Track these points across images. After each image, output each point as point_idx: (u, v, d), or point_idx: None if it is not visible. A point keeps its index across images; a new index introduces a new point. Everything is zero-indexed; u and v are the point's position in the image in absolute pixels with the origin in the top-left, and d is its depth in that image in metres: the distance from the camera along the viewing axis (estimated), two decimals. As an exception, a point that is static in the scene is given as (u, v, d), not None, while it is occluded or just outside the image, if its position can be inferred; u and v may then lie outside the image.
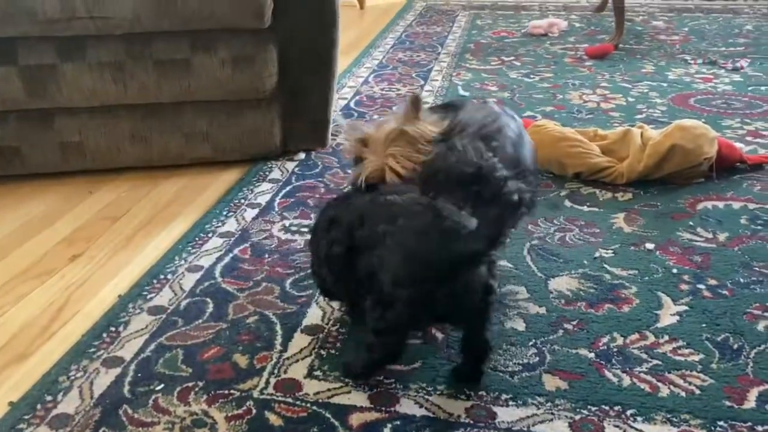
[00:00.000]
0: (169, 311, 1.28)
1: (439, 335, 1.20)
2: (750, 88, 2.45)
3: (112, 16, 1.68)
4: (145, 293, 1.34)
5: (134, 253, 1.50)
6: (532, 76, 2.63)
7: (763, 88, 2.45)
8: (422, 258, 0.98)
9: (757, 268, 1.38)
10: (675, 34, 3.21)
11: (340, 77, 2.63)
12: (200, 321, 1.25)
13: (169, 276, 1.39)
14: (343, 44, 2.90)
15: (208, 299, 1.31)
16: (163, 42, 1.76)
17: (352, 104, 2.38)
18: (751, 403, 1.04)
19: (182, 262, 1.44)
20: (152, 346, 1.18)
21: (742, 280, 1.34)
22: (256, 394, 1.07)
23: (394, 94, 2.47)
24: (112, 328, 1.23)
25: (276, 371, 1.12)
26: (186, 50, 1.77)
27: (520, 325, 1.23)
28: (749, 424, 1.00)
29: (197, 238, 1.53)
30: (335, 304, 1.28)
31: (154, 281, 1.37)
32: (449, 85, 2.56)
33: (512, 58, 2.89)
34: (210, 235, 1.55)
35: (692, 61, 2.77)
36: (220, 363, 1.14)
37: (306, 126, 1.95)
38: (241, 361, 1.14)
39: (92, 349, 1.18)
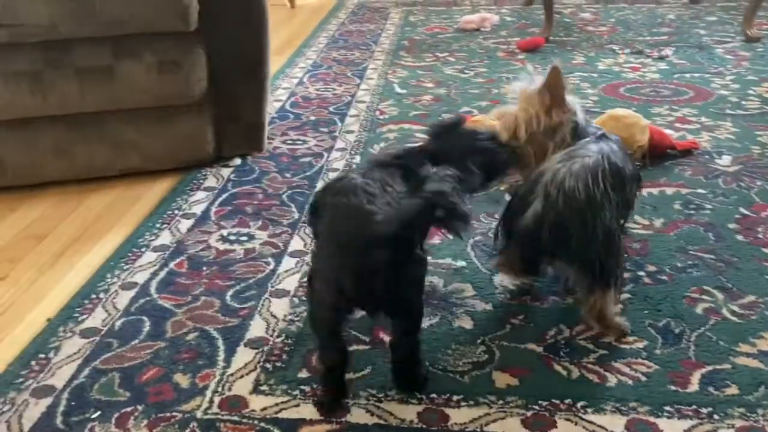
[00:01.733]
0: (102, 333, 1.21)
1: (388, 339, 1.18)
2: (675, 76, 2.52)
3: (25, 23, 1.59)
4: (77, 315, 1.26)
5: (63, 273, 1.42)
6: (467, 72, 2.64)
7: (687, 75, 2.53)
8: (335, 233, 1.01)
9: (692, 252, 1.41)
10: (602, 25, 3.29)
11: (274, 78, 2.58)
12: (137, 341, 1.19)
13: (102, 295, 1.32)
14: (275, 44, 2.85)
15: (145, 317, 1.25)
16: (83, 49, 1.67)
17: (287, 106, 2.33)
18: (694, 386, 1.06)
19: (115, 279, 1.37)
20: (86, 372, 1.12)
21: (679, 264, 1.37)
22: (199, 414, 1.03)
23: (330, 93, 2.44)
24: (42, 355, 1.16)
25: (220, 389, 1.08)
26: (108, 56, 1.69)
27: (468, 323, 1.22)
28: (694, 407, 1.02)
29: (130, 254, 1.46)
30: (279, 315, 1.25)
31: (86, 302, 1.30)
32: (385, 83, 2.54)
33: (446, 54, 2.90)
34: (143, 249, 1.48)
35: (620, 51, 2.84)
36: (160, 384, 1.09)
37: (240, 130, 1.90)
38: (183, 380, 1.09)
39: (20, 379, 1.11)
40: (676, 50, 2.82)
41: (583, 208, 1.12)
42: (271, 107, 2.26)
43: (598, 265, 1.12)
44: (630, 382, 1.07)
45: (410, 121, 2.15)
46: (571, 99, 1.31)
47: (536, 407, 1.03)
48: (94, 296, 1.32)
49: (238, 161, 1.90)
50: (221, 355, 1.15)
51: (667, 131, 1.93)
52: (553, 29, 3.05)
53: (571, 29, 3.23)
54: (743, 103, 2.23)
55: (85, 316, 1.26)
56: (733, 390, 1.04)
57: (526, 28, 3.26)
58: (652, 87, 2.41)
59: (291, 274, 1.37)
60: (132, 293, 1.32)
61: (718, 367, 1.09)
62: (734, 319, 1.21)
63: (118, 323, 1.24)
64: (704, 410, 1.01)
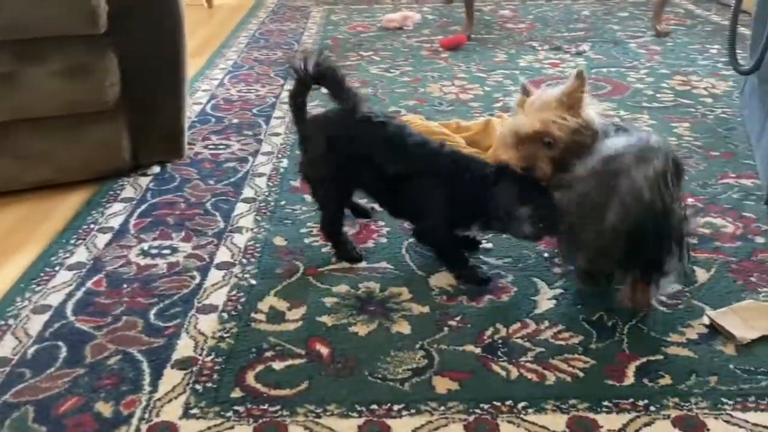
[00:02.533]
0: (13, 362, 1.12)
1: (324, 350, 1.14)
2: (593, 71, 2.59)
3: None
4: (-17, 345, 1.16)
5: (-34, 299, 1.30)
6: (392, 71, 2.63)
7: (604, 69, 2.60)
8: None
9: (620, 244, 1.44)
10: (521, 22, 3.34)
11: (193, 81, 2.48)
12: (52, 369, 1.10)
13: (11, 321, 1.22)
14: (193, 45, 2.74)
15: (61, 343, 1.16)
16: (-20, 54, 1.55)
17: (208, 109, 2.25)
18: (630, 378, 1.07)
19: (26, 302, 1.27)
20: (-5, 407, 1.03)
21: (608, 257, 1.39)
22: (125, 445, 0.96)
23: (253, 95, 2.37)
24: (-56, 392, 1.06)
25: (147, 416, 1.01)
26: (10, 62, 1.57)
27: (406, 328, 1.19)
28: (631, 400, 1.03)
29: (42, 274, 1.36)
30: (208, 332, 1.19)
31: (-7, 329, 1.20)
32: (309, 83, 2.49)
33: (371, 53, 2.87)
34: (57, 268, 1.38)
35: (540, 48, 2.90)
36: (79, 415, 1.01)
37: (159, 136, 1.81)
38: (105, 409, 1.02)
39: None
40: (593, 45, 2.90)
41: (659, 221, 1.10)
42: (191, 111, 2.18)
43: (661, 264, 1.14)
44: (568, 378, 1.07)
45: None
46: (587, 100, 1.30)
47: (478, 411, 1.01)
48: (2, 323, 1.22)
49: (157, 169, 1.80)
50: (147, 379, 1.08)
51: (589, 125, 1.97)
52: (474, 27, 3.08)
53: (492, 27, 3.27)
54: (658, 96, 2.31)
55: (-8, 346, 1.16)
56: (666, 380, 1.06)
57: (447, 26, 3.27)
58: (572, 82, 2.46)
59: (218, 288, 1.31)
60: (45, 317, 1.23)
61: (651, 358, 1.11)
62: (663, 309, 1.23)
63: (31, 351, 1.14)
64: (641, 402, 1.02)
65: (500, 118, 1.86)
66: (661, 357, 1.11)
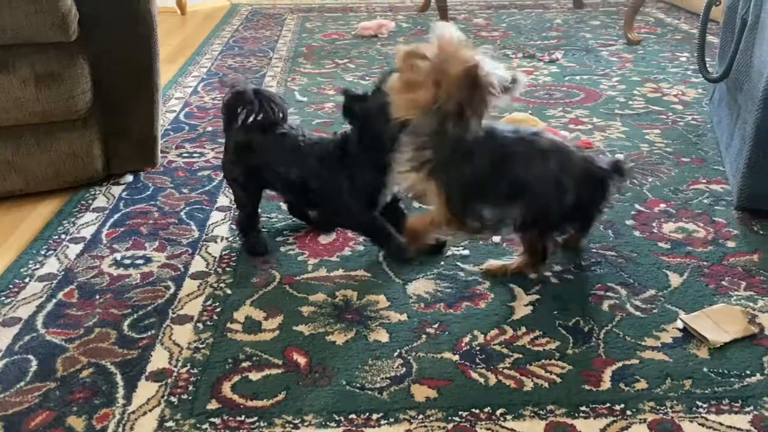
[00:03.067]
0: (-19, 377, 1.09)
1: (302, 360, 1.13)
2: (566, 78, 2.62)
3: None
4: (-51, 359, 1.13)
5: (-69, 313, 1.27)
6: (367, 78, 2.63)
7: (577, 77, 2.63)
8: None
9: (594, 250, 1.45)
10: (495, 30, 3.37)
11: (166, 88, 2.46)
12: (22, 384, 1.08)
13: (-21, 335, 1.19)
14: (166, 53, 2.73)
15: (31, 356, 1.14)
16: (-54, 61, 1.51)
17: (181, 116, 2.23)
18: (606, 383, 1.08)
19: (-6, 315, 1.24)
20: (-37, 424, 1.00)
21: (583, 263, 1.41)
22: (98, 460, 0.94)
23: (227, 103, 2.35)
24: None
25: (121, 429, 0.99)
26: (-23, 70, 1.54)
27: (384, 336, 1.19)
28: (607, 404, 1.04)
29: (12, 285, 1.33)
30: (183, 342, 1.17)
31: (-40, 343, 1.17)
32: (285, 90, 2.48)
33: (346, 60, 2.87)
34: (27, 279, 1.35)
35: (513, 56, 2.93)
36: (51, 431, 0.98)
37: (131, 145, 1.78)
38: (77, 424, 1.00)
39: None
40: (566, 53, 2.94)
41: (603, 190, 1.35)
42: (164, 119, 2.16)
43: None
44: (546, 384, 1.08)
45: (314, 129, 2.10)
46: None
47: (457, 419, 1.01)
48: (-30, 336, 1.19)
49: (129, 178, 1.78)
50: (120, 392, 1.06)
51: (563, 132, 2.00)
52: (449, 34, 3.10)
53: (466, 34, 3.28)
54: (630, 103, 2.35)
55: (-41, 360, 1.13)
56: (642, 384, 1.07)
57: (422, 34, 3.29)
58: (546, 90, 2.49)
59: (193, 298, 1.29)
60: (15, 330, 1.20)
61: (627, 362, 1.12)
62: (638, 313, 1.25)
63: (0, 365, 1.12)
64: (617, 407, 1.03)
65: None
66: (636, 361, 1.12)
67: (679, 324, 1.21)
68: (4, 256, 1.45)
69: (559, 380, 1.09)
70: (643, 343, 1.17)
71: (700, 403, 1.03)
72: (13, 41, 1.55)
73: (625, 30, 3.13)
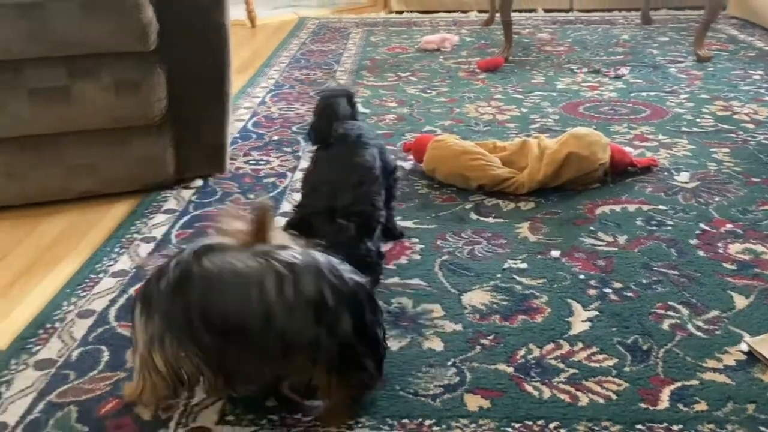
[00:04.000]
0: (58, 364, 1.16)
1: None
2: (632, 94, 2.58)
3: (-24, 43, 1.53)
4: (30, 346, 1.21)
5: (15, 302, 1.36)
6: (428, 91, 2.66)
7: (643, 93, 2.59)
8: None
9: (656, 268, 1.43)
10: (560, 45, 3.35)
11: (235, 98, 2.55)
12: (95, 372, 1.14)
13: (57, 324, 1.27)
14: (236, 64, 2.82)
15: (103, 347, 1.20)
16: (37, 69, 1.62)
17: (249, 126, 2.30)
18: (664, 403, 1.06)
19: (71, 307, 1.32)
20: (41, 406, 1.06)
21: (644, 281, 1.38)
22: (162, 448, 0.98)
23: (293, 113, 2.42)
24: (-8, 390, 1.10)
25: (184, 420, 1.03)
26: (64, 77, 1.64)
27: (438, 345, 1.20)
28: (665, 424, 1.02)
29: (87, 280, 1.41)
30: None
31: (40, 332, 1.25)
32: (348, 102, 2.53)
33: (408, 73, 2.91)
34: (101, 275, 1.43)
35: (578, 71, 2.90)
36: (120, 417, 1.04)
37: (202, 151, 1.86)
38: (144, 413, 1.05)
39: (-31, 417, 1.05)
40: (632, 69, 2.89)
41: None
42: (233, 127, 2.23)
43: None
44: (601, 401, 1.07)
45: (374, 141, 2.14)
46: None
47: (509, 429, 1.01)
48: (49, 326, 1.26)
49: (199, 183, 1.86)
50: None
51: (627, 149, 1.97)
52: (512, 49, 3.10)
53: (530, 49, 3.29)
54: (698, 120, 2.29)
55: (39, 347, 1.20)
56: (702, 406, 1.05)
57: (485, 48, 3.30)
58: (611, 105, 2.46)
59: (256, 299, 1.34)
60: (89, 321, 1.27)
61: (686, 383, 1.10)
62: (699, 334, 1.22)
63: (75, 353, 1.19)
64: (675, 427, 1.01)
65: (537, 139, 1.87)
66: (696, 382, 1.10)
67: (744, 347, 1.17)
68: (81, 253, 1.54)
69: (615, 397, 1.07)
70: (705, 365, 1.14)
71: (763, 429, 1.00)
72: (98, 50, 1.64)
73: (695, 46, 3.06)
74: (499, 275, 1.41)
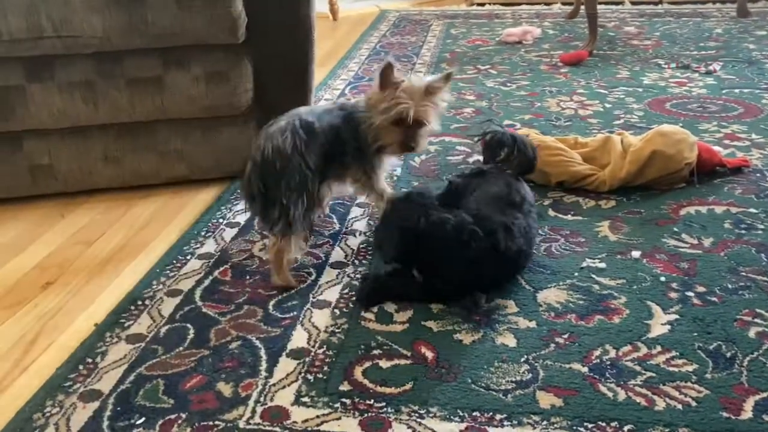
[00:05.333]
0: (148, 339, 1.23)
1: (430, 354, 1.17)
2: (724, 91, 2.46)
3: (81, 35, 1.63)
4: (123, 321, 1.29)
5: (110, 279, 1.45)
6: (508, 84, 2.63)
7: (736, 90, 2.47)
8: None
9: (744, 273, 1.37)
10: (647, 39, 3.24)
11: (316, 90, 2.60)
12: (181, 348, 1.20)
13: (147, 302, 1.34)
14: (318, 56, 2.86)
15: (189, 325, 1.27)
16: (134, 60, 1.71)
17: (329, 117, 2.34)
18: (748, 413, 1.02)
19: (160, 286, 1.39)
20: (131, 377, 1.14)
21: (730, 285, 1.33)
22: (242, 424, 1.03)
23: (372, 105, 2.44)
24: (89, 360, 1.18)
25: (262, 399, 1.08)
26: (158, 67, 1.73)
27: (511, 341, 1.20)
28: (748, 435, 0.98)
29: (175, 261, 1.49)
30: (321, 326, 1.25)
31: (132, 308, 1.33)
32: (426, 95, 2.54)
33: (488, 66, 2.89)
34: (188, 257, 1.50)
35: (666, 66, 2.80)
36: (203, 392, 1.10)
37: (284, 141, 1.91)
38: (225, 389, 1.10)
39: (68, 383, 1.13)
40: (724, 65, 2.76)
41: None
42: (314, 118, 2.28)
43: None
44: (679, 406, 1.04)
45: (451, 134, 2.14)
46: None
47: (581, 429, 1.00)
48: (140, 302, 1.34)
49: (281, 172, 1.91)
50: (263, 365, 1.15)
51: (716, 148, 1.89)
52: (597, 43, 3.02)
53: (615, 43, 3.19)
54: (796, 120, 2.17)
55: (131, 322, 1.28)
56: (788, 419, 1.01)
57: (569, 42, 3.23)
58: (700, 102, 2.36)
59: (332, 285, 1.38)
60: (177, 300, 1.34)
61: (772, 394, 1.06)
62: (789, 344, 1.17)
63: (163, 330, 1.26)
64: (758, 439, 0.98)
65: (620, 136, 1.82)
66: (784, 394, 1.06)
67: (838, 360, 1.11)
68: (169, 235, 1.62)
69: (694, 404, 1.05)
70: (794, 376, 1.09)
71: None
72: (190, 42, 1.72)
73: (796, 41, 2.89)
74: (576, 274, 1.39)
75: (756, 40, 3.13)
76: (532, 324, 1.25)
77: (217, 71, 1.76)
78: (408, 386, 1.10)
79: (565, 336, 1.21)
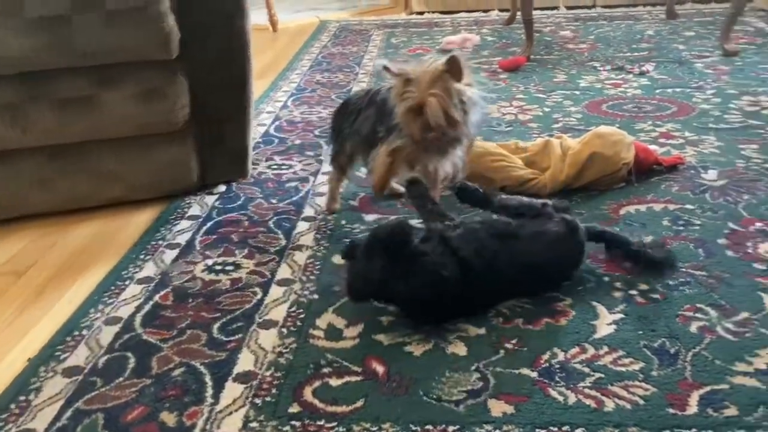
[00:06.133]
0: (86, 371, 1.18)
1: (381, 369, 1.15)
2: (657, 91, 2.54)
3: (1, 56, 1.56)
4: (59, 353, 1.23)
5: (44, 310, 1.38)
6: (450, 92, 2.64)
7: (669, 90, 2.55)
8: None
9: (683, 269, 1.40)
10: (582, 43, 3.31)
11: (257, 103, 2.56)
12: (121, 379, 1.15)
13: (85, 332, 1.29)
14: (258, 68, 2.84)
15: (129, 353, 1.22)
16: (63, 80, 1.65)
17: (271, 130, 2.32)
18: (693, 408, 1.04)
19: (98, 314, 1.34)
20: (69, 413, 1.08)
21: (671, 282, 1.36)
22: (188, 454, 0.99)
23: (315, 117, 2.43)
24: (22, 397, 1.12)
25: (208, 427, 1.04)
26: (89, 87, 1.67)
27: (462, 350, 1.20)
28: (694, 430, 1.00)
29: (113, 287, 1.43)
30: (268, 347, 1.22)
31: (68, 339, 1.27)
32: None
33: (429, 74, 2.89)
34: (127, 282, 1.45)
35: (601, 68, 2.86)
36: (145, 424, 1.05)
37: (225, 157, 1.88)
38: (169, 419, 1.06)
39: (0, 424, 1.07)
40: (657, 66, 2.84)
41: None
42: (256, 132, 2.25)
43: None
44: (628, 406, 1.05)
45: (395, 143, 2.14)
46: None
47: (534, 435, 1.00)
48: (76, 333, 1.28)
49: (222, 188, 1.87)
50: (209, 391, 1.12)
51: (652, 147, 1.94)
52: (534, 48, 3.08)
53: (552, 47, 3.26)
54: (725, 116, 2.25)
55: (67, 355, 1.22)
56: (732, 411, 1.03)
57: (507, 48, 3.28)
58: (635, 103, 2.43)
59: (279, 304, 1.35)
60: (116, 329, 1.29)
61: (715, 387, 1.08)
62: (729, 337, 1.20)
63: (102, 361, 1.20)
64: (704, 433, 0.99)
65: (559, 139, 1.85)
66: (726, 387, 1.08)
67: (775, 350, 1.15)
68: (107, 259, 1.56)
69: (642, 402, 1.06)
70: (734, 368, 1.12)
71: (796, 435, 0.98)
72: (121, 60, 1.67)
73: (721, 41, 3.00)
74: (522, 278, 1.40)
75: (685, 41, 3.24)
76: (482, 331, 1.24)
77: (151, 88, 1.71)
78: (359, 403, 1.08)
79: (514, 341, 1.21)
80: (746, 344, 1.17)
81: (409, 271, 1.23)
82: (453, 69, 1.42)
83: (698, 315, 1.26)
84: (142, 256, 1.55)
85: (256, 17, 2.78)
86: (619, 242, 1.44)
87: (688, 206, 1.66)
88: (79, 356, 1.22)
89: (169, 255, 1.55)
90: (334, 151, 1.68)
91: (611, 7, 4.08)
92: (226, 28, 1.78)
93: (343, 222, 1.66)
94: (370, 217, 1.68)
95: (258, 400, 1.09)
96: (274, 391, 1.11)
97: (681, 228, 1.57)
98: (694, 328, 1.22)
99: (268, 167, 2.01)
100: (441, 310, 1.26)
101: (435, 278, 1.24)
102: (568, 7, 4.09)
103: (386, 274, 1.23)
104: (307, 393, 1.10)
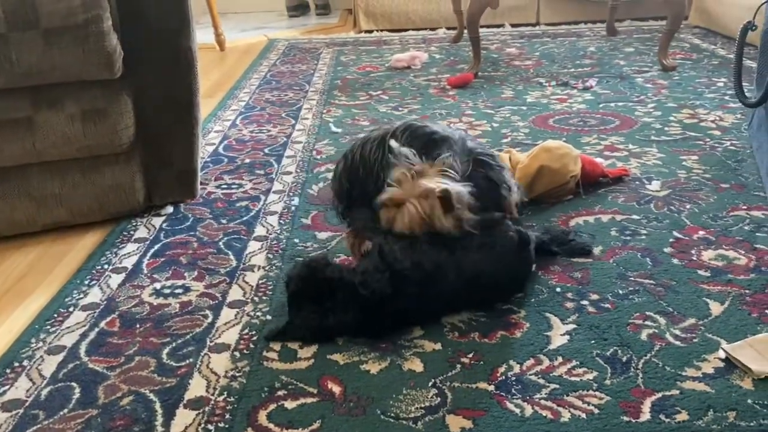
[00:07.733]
0: (27, 404, 1.12)
1: (337, 389, 1.13)
2: (601, 105, 2.61)
3: (-67, 76, 1.50)
4: (-3, 386, 1.17)
5: (-19, 341, 1.32)
6: (400, 109, 2.66)
7: (612, 104, 2.62)
8: None
9: (632, 278, 1.43)
10: (528, 59, 3.39)
11: (205, 122, 2.53)
12: (66, 411, 1.10)
13: (26, 362, 1.23)
14: (206, 87, 2.81)
15: (74, 383, 1.17)
16: (1, 100, 1.59)
17: (220, 149, 2.28)
18: (646, 414, 1.06)
19: (40, 344, 1.28)
20: (9, 449, 1.03)
21: (621, 291, 1.39)
22: (137, 487, 0.95)
23: (265, 135, 2.41)
24: (-42, 435, 1.06)
25: (159, 457, 1.00)
26: (27, 108, 1.61)
27: (418, 366, 1.19)
28: (648, 436, 1.01)
29: (56, 314, 1.37)
30: (220, 371, 1.18)
31: (8, 371, 1.21)
32: (321, 122, 2.53)
33: (379, 92, 2.92)
34: (71, 309, 1.39)
35: (547, 84, 2.93)
36: (92, 457, 1.01)
37: (172, 177, 1.83)
38: (121, 449, 1.02)
39: (-67, 464, 1.01)
40: (600, 81, 2.93)
41: None
42: (204, 151, 2.21)
43: None
44: (583, 416, 1.06)
45: (347, 161, 2.13)
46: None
47: (492, 450, 1.00)
48: (16, 364, 1.22)
49: (170, 209, 1.83)
50: (159, 419, 1.08)
51: (598, 160, 1.98)
52: (481, 65, 3.13)
53: (499, 64, 3.32)
54: (666, 129, 2.32)
55: (6, 387, 1.16)
56: (683, 416, 1.05)
57: (455, 65, 3.32)
58: (580, 117, 2.49)
59: (231, 327, 1.31)
60: (59, 358, 1.24)
61: (666, 393, 1.10)
62: (677, 343, 1.22)
63: (45, 392, 1.15)
64: (658, 439, 1.01)
65: (508, 153, 1.87)
66: (677, 392, 1.10)
67: (721, 354, 1.18)
68: (50, 285, 1.50)
69: (597, 411, 1.07)
70: (684, 374, 1.14)
71: (744, 436, 1.00)
72: (61, 80, 1.62)
73: (659, 56, 3.11)
74: (476, 292, 1.40)
75: (625, 56, 3.35)
76: (438, 346, 1.24)
77: (94, 108, 1.66)
78: (316, 425, 1.06)
79: (471, 355, 1.21)
80: (694, 349, 1.20)
81: (334, 301, 1.24)
82: (444, 203, 1.33)
83: (648, 323, 1.28)
84: (87, 282, 1.49)
85: (202, 36, 2.75)
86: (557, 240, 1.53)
87: (635, 216, 1.70)
88: (19, 388, 1.16)
89: (116, 279, 1.50)
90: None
91: (554, 25, 4.19)
92: (170, 47, 1.74)
93: (296, 240, 1.64)
94: (322, 235, 1.66)
95: (211, 426, 1.06)
96: (227, 416, 1.08)
97: (628, 238, 1.60)
98: (644, 335, 1.25)
99: (218, 187, 1.97)
100: (376, 324, 1.25)
101: (358, 299, 1.24)
102: (513, 25, 4.18)
103: (318, 313, 1.24)
104: (262, 417, 1.07)
